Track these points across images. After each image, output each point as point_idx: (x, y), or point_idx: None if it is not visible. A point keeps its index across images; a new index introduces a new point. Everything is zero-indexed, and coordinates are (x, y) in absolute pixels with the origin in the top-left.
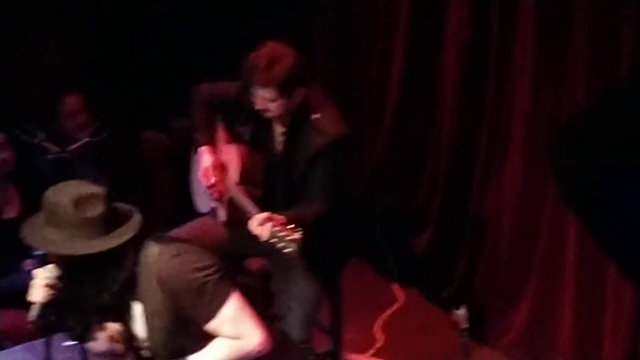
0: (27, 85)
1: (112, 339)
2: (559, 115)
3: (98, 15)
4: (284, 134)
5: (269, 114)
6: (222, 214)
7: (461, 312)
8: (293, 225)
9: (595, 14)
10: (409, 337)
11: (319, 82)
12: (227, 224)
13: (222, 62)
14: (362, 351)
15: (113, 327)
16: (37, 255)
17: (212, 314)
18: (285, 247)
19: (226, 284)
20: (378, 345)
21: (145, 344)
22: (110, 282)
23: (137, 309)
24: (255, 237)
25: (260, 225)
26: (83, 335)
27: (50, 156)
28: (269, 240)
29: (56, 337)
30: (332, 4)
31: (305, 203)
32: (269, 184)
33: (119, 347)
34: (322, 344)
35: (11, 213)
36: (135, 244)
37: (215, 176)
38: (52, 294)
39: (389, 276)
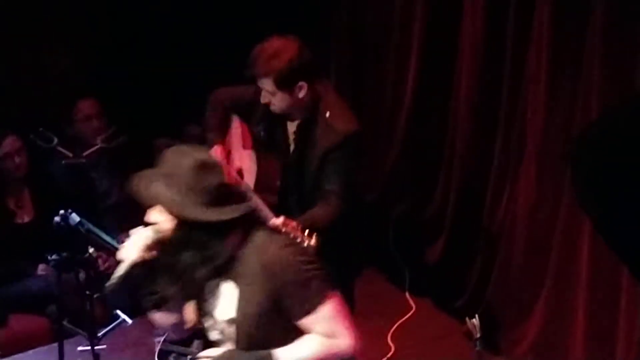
0: (42, 91)
1: (187, 314)
2: (572, 123)
3: (113, 20)
4: (295, 132)
5: (273, 108)
6: None
7: (474, 322)
8: (308, 231)
9: (610, 24)
10: (422, 346)
11: (332, 82)
12: None
13: (238, 67)
14: None
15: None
16: (52, 260)
17: (311, 309)
18: None
19: (328, 283)
20: (390, 354)
21: (221, 326)
22: (213, 255)
23: (227, 290)
24: None
25: (275, 229)
26: (159, 304)
27: (64, 161)
28: None
29: (69, 342)
30: (347, 8)
31: (319, 204)
32: (283, 190)
33: (189, 323)
34: None
35: (25, 217)
36: (246, 224)
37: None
38: (146, 256)
39: (401, 285)
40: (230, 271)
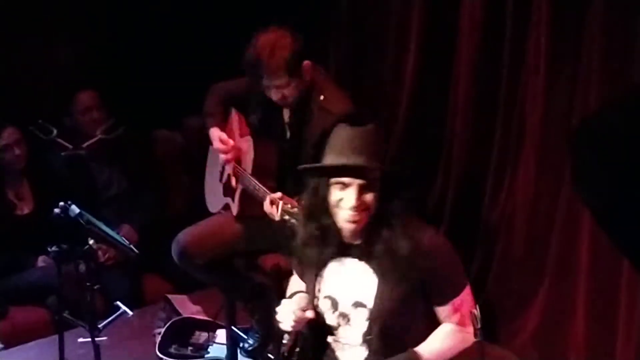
0: (42, 82)
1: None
2: (571, 117)
3: (113, 12)
4: (290, 118)
5: (288, 100)
6: (234, 208)
7: (474, 313)
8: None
9: (609, 14)
10: None
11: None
12: (239, 218)
13: (237, 61)
14: None
15: None
16: (51, 251)
17: (455, 293)
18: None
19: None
20: None
21: (344, 310)
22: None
23: (356, 273)
24: (267, 228)
25: (273, 204)
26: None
27: (63, 153)
28: (281, 218)
29: (70, 333)
30: (345, 5)
31: None
32: (281, 175)
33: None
34: None
35: (25, 209)
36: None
37: (231, 142)
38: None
39: None
40: (365, 253)
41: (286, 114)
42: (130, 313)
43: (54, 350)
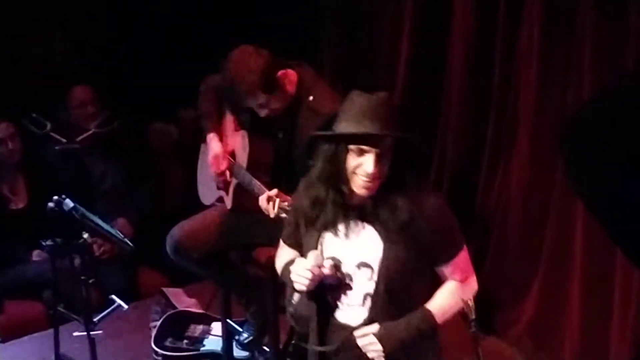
0: (36, 76)
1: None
2: (565, 103)
3: (108, 5)
4: (281, 120)
5: (276, 112)
6: (228, 202)
7: (469, 303)
8: None
9: (601, 5)
10: None
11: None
12: (233, 211)
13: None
14: None
15: None
16: (46, 246)
17: (456, 252)
18: None
19: None
20: None
21: (349, 270)
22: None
23: (359, 233)
24: (261, 221)
25: (270, 201)
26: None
27: (57, 147)
28: (277, 215)
29: (65, 327)
30: (339, 2)
31: None
32: (275, 173)
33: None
34: None
35: (19, 203)
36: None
37: (225, 164)
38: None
39: None
40: (371, 216)
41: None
42: (126, 307)
43: (49, 344)
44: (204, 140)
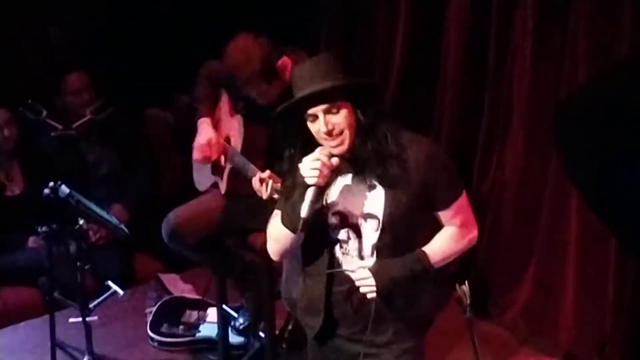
0: (31, 63)
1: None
2: (559, 90)
3: None
4: (276, 102)
5: (274, 100)
6: (222, 187)
7: (464, 289)
8: None
9: None
10: None
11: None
12: (228, 196)
13: (227, 37)
14: None
15: None
16: (42, 232)
17: (455, 196)
18: None
19: None
20: None
21: (353, 221)
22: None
23: (354, 186)
24: (256, 206)
25: (263, 182)
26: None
27: (53, 134)
28: (270, 196)
29: (61, 313)
30: None
31: None
32: (269, 156)
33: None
34: None
35: (15, 190)
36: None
37: (210, 151)
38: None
39: None
40: (365, 167)
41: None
42: (121, 293)
43: (45, 330)
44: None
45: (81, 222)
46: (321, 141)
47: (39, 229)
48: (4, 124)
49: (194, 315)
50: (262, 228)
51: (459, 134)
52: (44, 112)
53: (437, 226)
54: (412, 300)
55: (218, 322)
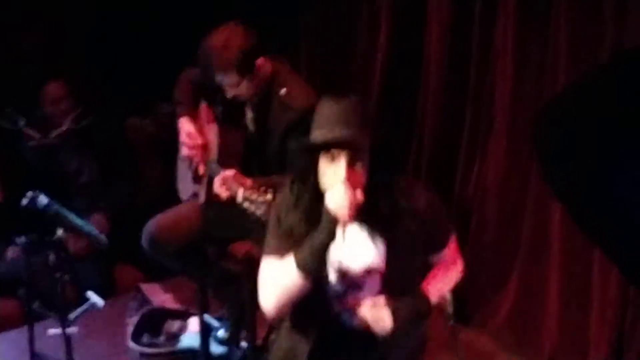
0: (9, 72)
1: None
2: (541, 98)
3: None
4: (253, 113)
5: (242, 98)
6: (201, 196)
7: (447, 297)
8: (264, 188)
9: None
10: None
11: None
12: (207, 204)
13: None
14: None
15: None
16: (20, 242)
17: (450, 236)
18: (256, 211)
19: None
20: None
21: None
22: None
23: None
24: (236, 215)
25: (223, 183)
26: None
27: (31, 143)
28: (241, 204)
29: (40, 324)
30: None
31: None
32: (245, 162)
33: None
34: None
35: None
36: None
37: (199, 139)
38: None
39: None
40: (366, 218)
41: (248, 108)
42: (102, 303)
43: (24, 341)
44: (177, 124)
45: (60, 232)
46: (330, 183)
47: (17, 240)
48: None
49: (175, 325)
50: (243, 236)
51: (441, 139)
52: (22, 121)
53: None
54: (413, 333)
55: (199, 332)
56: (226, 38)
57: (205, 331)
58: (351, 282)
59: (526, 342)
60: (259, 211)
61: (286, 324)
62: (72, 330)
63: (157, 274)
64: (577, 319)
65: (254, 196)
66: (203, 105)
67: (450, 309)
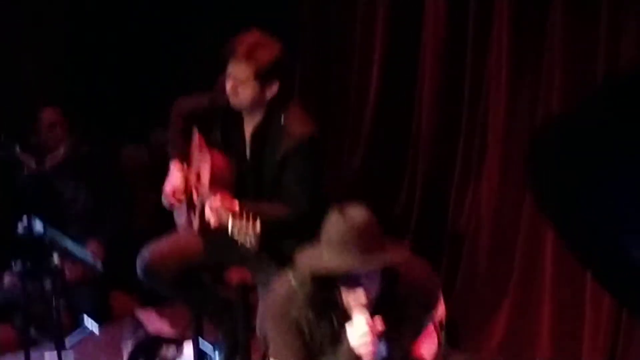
0: (4, 98)
1: None
2: (534, 123)
3: (77, 26)
4: (251, 138)
5: (236, 101)
6: (195, 223)
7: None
8: (252, 215)
9: (569, 25)
10: None
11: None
12: (201, 233)
13: (202, 75)
14: None
15: None
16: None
17: (435, 310)
18: (244, 242)
19: None
20: None
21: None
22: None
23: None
24: (230, 242)
25: (211, 211)
26: None
27: (26, 171)
28: (231, 235)
29: (35, 351)
30: (311, 12)
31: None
32: (240, 189)
33: None
34: None
35: None
36: None
37: (175, 199)
38: None
39: None
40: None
41: (247, 132)
42: (97, 329)
43: None
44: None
45: (56, 258)
46: (352, 305)
47: (14, 266)
48: None
49: (170, 350)
50: (238, 263)
51: (435, 167)
52: (16, 148)
53: None
54: None
55: (194, 358)
56: (270, 41)
57: (200, 357)
58: None
59: None
60: (248, 244)
61: None
62: (67, 355)
63: (152, 300)
64: (570, 344)
65: (243, 227)
66: (196, 133)
67: (441, 338)
